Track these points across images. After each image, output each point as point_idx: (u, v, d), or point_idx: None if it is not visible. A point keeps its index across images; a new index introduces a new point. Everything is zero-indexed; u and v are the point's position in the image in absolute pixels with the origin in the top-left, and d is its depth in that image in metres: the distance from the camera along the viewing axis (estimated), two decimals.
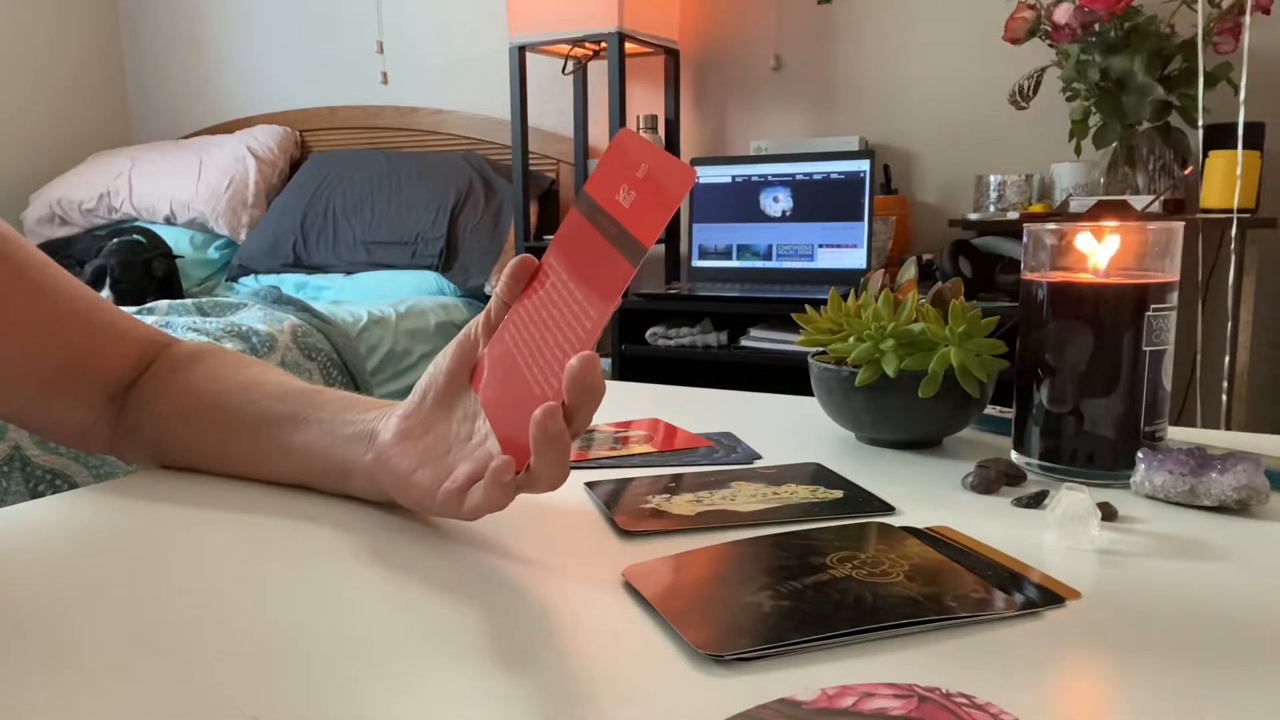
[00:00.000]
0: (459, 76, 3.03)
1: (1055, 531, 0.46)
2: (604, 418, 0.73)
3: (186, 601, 0.39)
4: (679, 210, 1.73)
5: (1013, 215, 2.06)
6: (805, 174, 2.23)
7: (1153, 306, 0.53)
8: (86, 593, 0.40)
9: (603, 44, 2.41)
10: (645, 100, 2.69)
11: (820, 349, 0.66)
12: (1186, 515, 0.49)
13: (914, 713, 0.30)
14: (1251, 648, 0.35)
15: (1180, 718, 0.30)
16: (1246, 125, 1.67)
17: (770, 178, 2.27)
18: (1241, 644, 0.35)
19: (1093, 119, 1.96)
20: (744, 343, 2.12)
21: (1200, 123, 1.72)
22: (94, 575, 0.42)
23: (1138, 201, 1.82)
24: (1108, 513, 0.49)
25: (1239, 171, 1.68)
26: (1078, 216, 1.90)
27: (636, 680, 0.32)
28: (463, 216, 2.75)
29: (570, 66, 2.59)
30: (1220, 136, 1.81)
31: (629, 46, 2.39)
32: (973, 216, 2.10)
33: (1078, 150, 2.03)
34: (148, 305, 1.79)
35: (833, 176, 2.20)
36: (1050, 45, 1.97)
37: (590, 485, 0.55)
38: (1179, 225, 0.55)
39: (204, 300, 1.83)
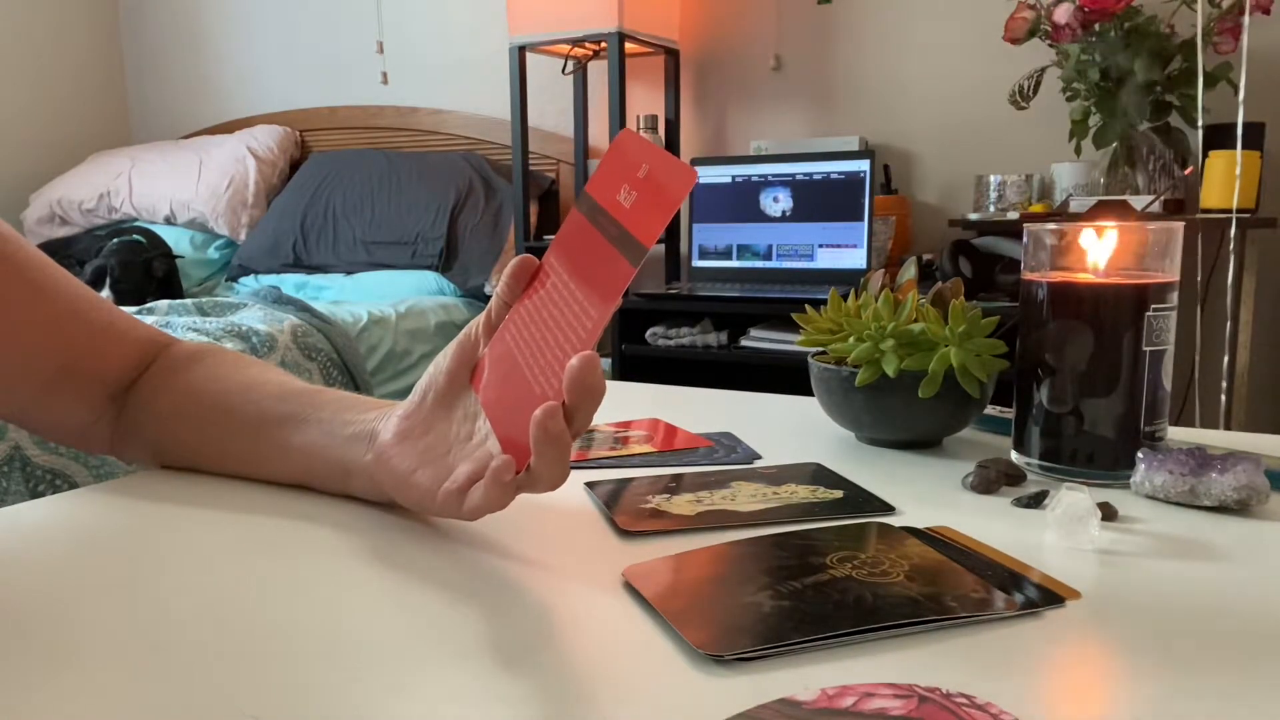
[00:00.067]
0: (459, 76, 3.03)
1: (1055, 531, 0.46)
2: (604, 418, 0.73)
3: (186, 601, 0.39)
4: (679, 210, 1.73)
5: (1013, 215, 2.06)
6: (805, 174, 2.23)
7: (1153, 306, 0.53)
8: (86, 593, 0.40)
9: (603, 44, 2.41)
10: (645, 100, 2.69)
11: (820, 349, 0.66)
12: (1186, 515, 0.49)
13: (914, 713, 0.30)
14: (1251, 647, 0.35)
15: (1180, 717, 0.30)
16: (1246, 125, 1.67)
17: (770, 178, 2.27)
18: (1242, 644, 0.35)
19: (1093, 119, 1.96)
20: (744, 343, 2.12)
21: (1200, 123, 1.72)
22: (94, 575, 0.42)
23: (1138, 201, 1.82)
24: (1108, 513, 0.49)
25: (1238, 171, 1.68)
26: (1078, 216, 1.90)
27: (636, 680, 0.32)
28: (463, 216, 2.75)
29: (570, 66, 2.59)
30: (1220, 136, 1.81)
31: (629, 46, 2.39)
32: (973, 216, 2.10)
33: (1078, 150, 2.03)
34: (148, 305, 1.79)
35: (833, 176, 2.20)
36: (1050, 45, 1.97)
37: (590, 485, 0.55)
38: (1179, 225, 0.55)
39: (204, 300, 1.83)
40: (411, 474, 0.45)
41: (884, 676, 0.32)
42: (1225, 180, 1.75)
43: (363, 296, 2.67)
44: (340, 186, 2.95)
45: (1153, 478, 0.51)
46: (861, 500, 0.52)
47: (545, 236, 2.67)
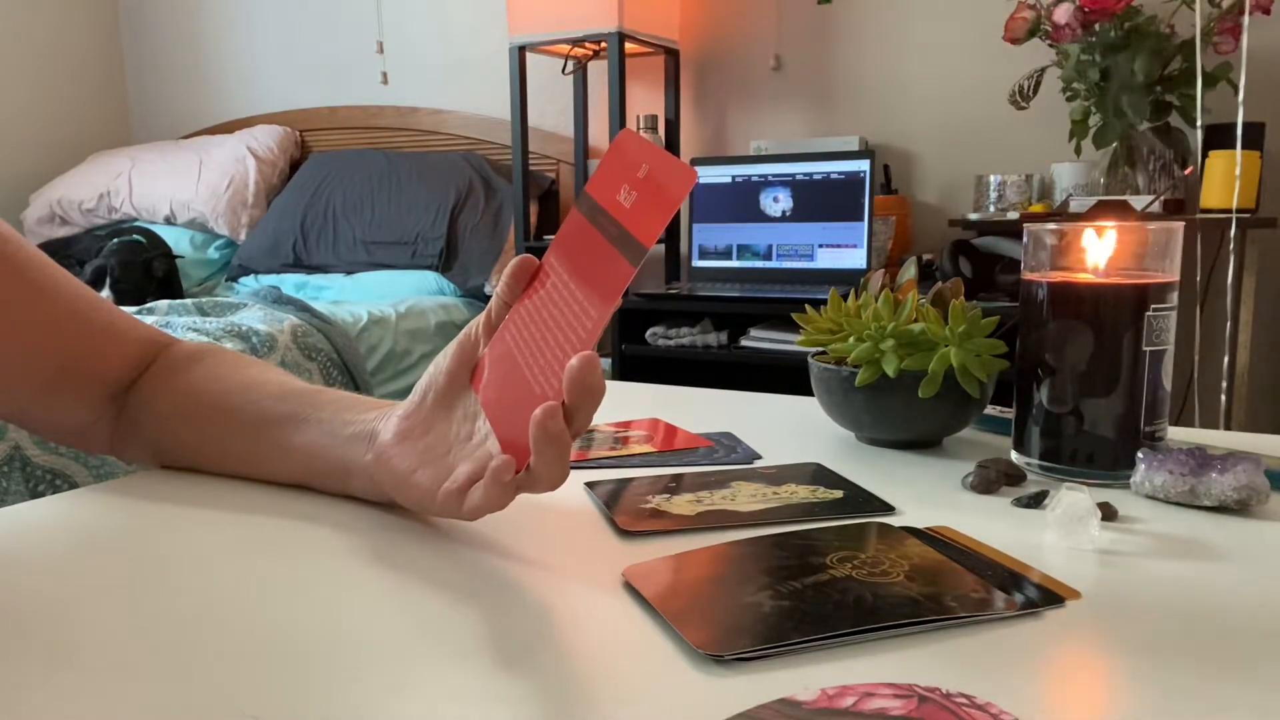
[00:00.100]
0: (459, 76, 3.03)
1: (1055, 531, 0.46)
2: (604, 418, 0.73)
3: (186, 601, 0.39)
4: (679, 210, 1.73)
5: (1013, 215, 2.06)
6: (805, 174, 2.23)
7: (1153, 306, 0.53)
8: (86, 593, 0.40)
9: (603, 44, 2.41)
10: (645, 100, 2.69)
11: (820, 349, 0.66)
12: (1186, 515, 0.49)
13: (914, 713, 0.30)
14: (1252, 647, 0.35)
15: (1180, 717, 0.30)
16: (1246, 125, 1.67)
17: (770, 178, 2.27)
18: (1242, 643, 0.35)
19: (1093, 119, 1.96)
20: (744, 343, 2.12)
21: (1199, 123, 1.72)
22: (94, 575, 0.42)
23: (1138, 201, 1.82)
24: (1108, 513, 0.49)
25: (1238, 171, 1.68)
26: (1078, 216, 1.90)
27: (636, 680, 0.32)
28: (463, 216, 2.75)
29: (570, 66, 2.59)
30: (1220, 136, 1.81)
31: (629, 46, 2.39)
32: (973, 216, 2.10)
33: (1078, 150, 2.03)
34: (148, 305, 1.79)
35: (833, 176, 2.20)
36: (1050, 45, 1.97)
37: (590, 485, 0.55)
38: (1179, 225, 0.55)
39: (204, 300, 1.83)
40: (411, 474, 0.45)
41: (884, 676, 0.32)
42: (1225, 180, 1.75)
43: (363, 296, 2.67)
44: (340, 186, 2.95)
45: (1153, 478, 0.51)
46: (861, 500, 0.52)
47: (545, 236, 2.67)
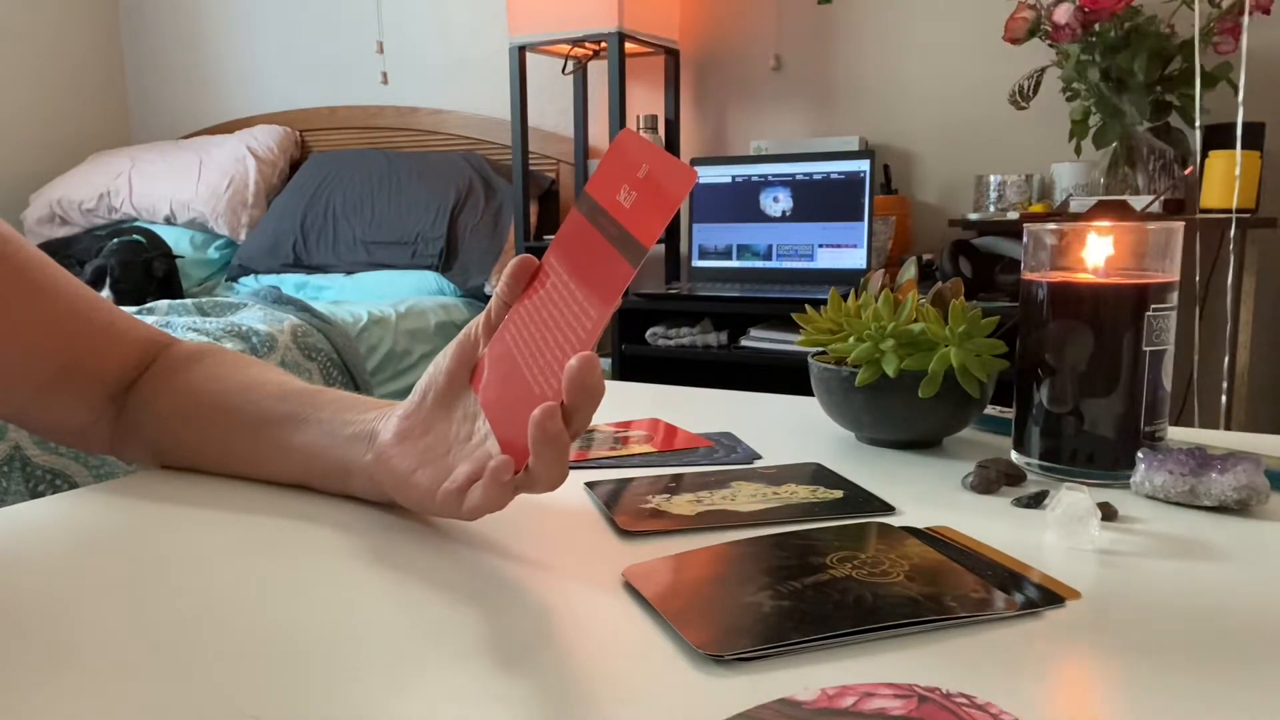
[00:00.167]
0: (459, 76, 3.03)
1: (1055, 531, 0.46)
2: (604, 418, 0.73)
3: (186, 601, 0.39)
4: (679, 210, 1.73)
5: (1013, 215, 2.06)
6: (805, 174, 2.23)
7: (1153, 306, 0.53)
8: (86, 593, 0.40)
9: (603, 44, 2.41)
10: (645, 100, 2.69)
11: (820, 349, 0.66)
12: (1186, 515, 0.49)
13: (914, 713, 0.30)
14: (1252, 647, 0.35)
15: (1180, 717, 0.30)
16: (1246, 125, 1.67)
17: (770, 178, 2.27)
18: (1242, 644, 0.35)
19: (1093, 119, 1.96)
20: (744, 343, 2.12)
21: (1199, 123, 1.72)
22: (94, 575, 0.42)
23: (1138, 201, 1.82)
24: (1108, 513, 0.49)
25: (1238, 171, 1.68)
26: (1078, 216, 1.90)
27: (636, 680, 0.32)
28: (463, 216, 2.75)
29: (570, 66, 2.59)
30: (1220, 136, 1.81)
31: (629, 46, 2.39)
32: (973, 216, 2.10)
33: (1078, 150, 2.03)
34: (148, 305, 1.79)
35: (833, 176, 2.20)
36: (1050, 45, 1.97)
37: (590, 485, 0.55)
38: (1179, 225, 0.55)
39: (204, 300, 1.83)
40: (411, 474, 0.45)
41: (884, 676, 0.32)
42: (1225, 180, 1.75)
43: (363, 296, 2.67)
44: (340, 186, 2.95)
45: (1153, 478, 0.51)
46: (861, 500, 0.52)
47: (545, 236, 2.67)
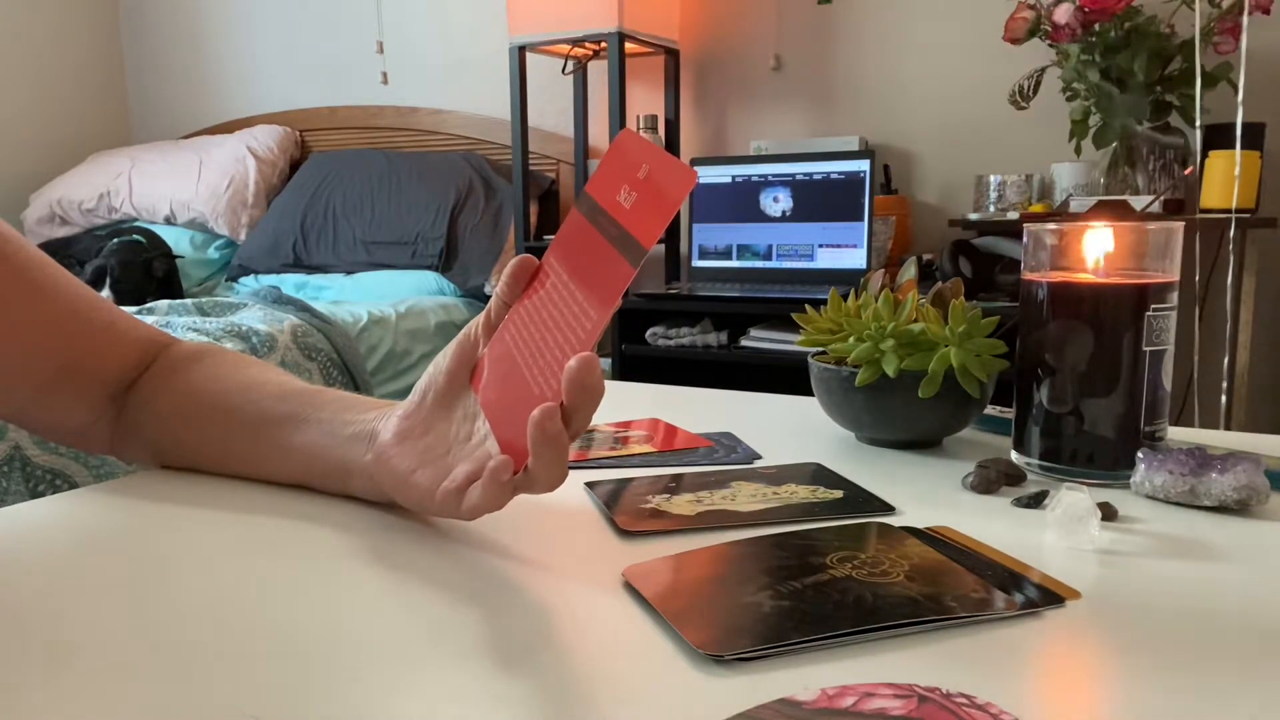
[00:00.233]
0: (459, 76, 3.03)
1: (1055, 531, 0.46)
2: (604, 418, 0.73)
3: (186, 602, 0.39)
4: (679, 210, 1.73)
5: (1013, 215, 2.06)
6: (805, 174, 2.23)
7: (1153, 306, 0.53)
8: (86, 593, 0.40)
9: (603, 44, 2.41)
10: (645, 100, 2.69)
11: (820, 349, 0.66)
12: (1186, 515, 0.49)
13: (914, 713, 0.30)
14: (1251, 647, 0.35)
15: (1180, 717, 0.30)
16: (1246, 125, 1.67)
17: (770, 178, 2.27)
18: (1242, 644, 0.35)
19: (1093, 119, 1.96)
20: (744, 343, 2.12)
21: (1199, 123, 1.72)
22: (94, 575, 0.42)
23: (1138, 201, 1.82)
24: (1108, 513, 0.49)
25: (1238, 172, 1.68)
26: (1078, 216, 1.90)
27: (636, 680, 0.32)
28: (463, 216, 2.75)
29: (570, 66, 2.59)
30: (1220, 136, 1.81)
31: (629, 46, 2.39)
32: (973, 216, 2.10)
33: (1078, 150, 2.03)
34: (148, 305, 1.79)
35: (833, 176, 2.20)
36: (1050, 45, 1.97)
37: (590, 485, 0.55)
38: (1179, 225, 0.55)
39: (204, 300, 1.83)
40: (411, 474, 0.45)
41: (884, 676, 0.32)
42: (1225, 180, 1.75)
43: (363, 296, 2.68)
44: (340, 186, 2.95)
45: (1153, 478, 0.51)
46: (861, 500, 0.52)
47: (545, 236, 2.67)
